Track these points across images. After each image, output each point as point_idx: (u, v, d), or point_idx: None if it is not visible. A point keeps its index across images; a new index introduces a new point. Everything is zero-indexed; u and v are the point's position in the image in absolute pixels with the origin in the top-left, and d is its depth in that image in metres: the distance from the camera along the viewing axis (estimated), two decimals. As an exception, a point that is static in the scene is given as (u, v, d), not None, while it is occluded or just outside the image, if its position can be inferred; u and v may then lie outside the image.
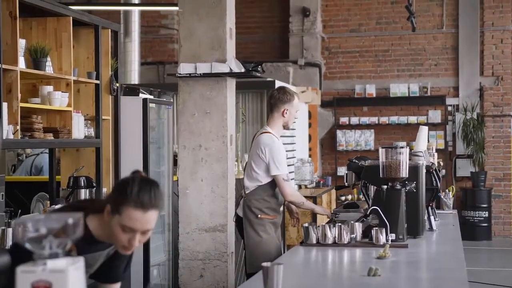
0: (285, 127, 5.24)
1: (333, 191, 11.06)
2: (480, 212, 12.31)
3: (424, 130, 5.68)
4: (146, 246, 6.29)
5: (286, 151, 8.24)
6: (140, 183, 2.60)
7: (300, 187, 10.23)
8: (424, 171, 4.85)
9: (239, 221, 5.26)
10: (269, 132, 5.15)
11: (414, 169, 4.68)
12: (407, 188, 4.61)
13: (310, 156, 12.13)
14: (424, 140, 5.61)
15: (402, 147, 4.56)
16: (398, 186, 4.53)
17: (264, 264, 2.85)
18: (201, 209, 5.67)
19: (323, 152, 13.24)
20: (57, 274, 1.79)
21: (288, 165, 9.01)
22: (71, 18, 5.26)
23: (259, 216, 5.11)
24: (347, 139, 13.00)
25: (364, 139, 12.92)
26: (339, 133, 13.02)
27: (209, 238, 5.71)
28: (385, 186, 4.52)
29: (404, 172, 4.52)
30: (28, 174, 7.98)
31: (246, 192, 5.14)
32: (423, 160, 5.12)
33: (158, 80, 12.99)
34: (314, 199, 9.17)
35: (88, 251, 2.68)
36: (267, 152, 5.03)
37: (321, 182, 10.78)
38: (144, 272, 6.31)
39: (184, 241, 5.75)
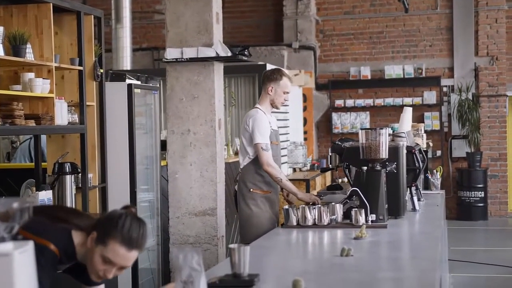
0: (273, 105, 5.37)
1: (328, 174, 11.08)
2: (476, 192, 12.33)
3: (408, 111, 5.69)
4: (134, 231, 6.31)
5: (280, 134, 8.27)
6: (132, 220, 2.68)
7: (294, 170, 10.24)
8: (405, 152, 4.85)
9: (236, 195, 5.42)
10: (257, 108, 5.34)
11: (394, 150, 4.69)
12: (388, 169, 4.63)
13: (305, 139, 12.14)
14: (408, 121, 5.62)
15: (382, 128, 4.57)
16: (378, 167, 4.55)
17: (231, 245, 2.88)
18: (191, 193, 5.69)
19: (319, 135, 13.25)
20: (2, 258, 1.81)
21: (282, 148, 9.08)
22: (51, 4, 5.25)
23: (251, 190, 5.25)
24: (343, 122, 13.00)
25: (360, 121, 12.93)
26: (334, 115, 13.03)
27: (199, 222, 5.73)
28: (365, 167, 4.54)
29: (384, 153, 4.54)
30: (29, 159, 7.99)
31: (240, 167, 5.34)
32: (404, 141, 5.14)
33: (153, 66, 12.99)
34: (307, 182, 9.19)
35: (66, 263, 2.78)
36: (250, 123, 5.21)
37: (316, 165, 10.78)
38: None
39: (175, 225, 5.77)
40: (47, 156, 5.91)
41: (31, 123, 5.00)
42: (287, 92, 5.37)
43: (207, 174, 5.67)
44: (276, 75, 5.35)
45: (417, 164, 5.18)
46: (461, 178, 12.51)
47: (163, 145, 6.34)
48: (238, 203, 5.36)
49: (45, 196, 5.26)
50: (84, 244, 2.72)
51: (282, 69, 5.89)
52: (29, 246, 1.90)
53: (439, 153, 12.67)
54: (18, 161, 8.02)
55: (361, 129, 4.59)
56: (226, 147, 8.12)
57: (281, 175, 5.25)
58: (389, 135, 5.00)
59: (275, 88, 5.32)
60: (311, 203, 4.97)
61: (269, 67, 9.23)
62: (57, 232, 2.70)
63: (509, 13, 12.75)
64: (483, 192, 12.36)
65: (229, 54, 5.64)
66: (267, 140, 5.20)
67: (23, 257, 1.85)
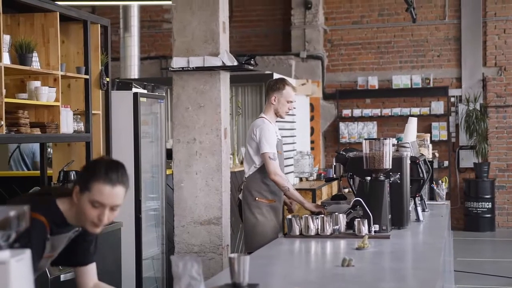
0: (277, 114, 5.42)
1: (335, 183, 11.05)
2: (483, 203, 12.28)
3: (413, 121, 5.68)
4: (138, 239, 6.34)
5: (286, 143, 8.28)
6: (107, 163, 2.77)
7: (301, 179, 10.24)
8: (409, 162, 4.85)
9: (240, 204, 5.44)
10: (263, 117, 5.38)
11: (398, 161, 4.68)
12: (391, 179, 4.62)
13: (313, 148, 12.14)
14: (413, 132, 5.61)
15: (386, 139, 4.57)
16: (382, 178, 4.54)
17: (231, 255, 2.88)
18: (196, 202, 5.69)
19: (326, 145, 13.25)
20: (-1, 265, 1.82)
21: (288, 158, 9.09)
22: (58, 13, 5.28)
23: (256, 198, 5.29)
24: (350, 131, 12.99)
25: (367, 131, 12.91)
26: (341, 125, 13.02)
27: (204, 231, 5.73)
28: (368, 178, 4.53)
29: (388, 164, 4.53)
30: (26, 165, 8.02)
31: (246, 176, 5.38)
32: (409, 151, 5.13)
33: (161, 75, 13.03)
34: (313, 192, 9.18)
35: (58, 232, 2.82)
36: (257, 132, 5.25)
37: (322, 174, 10.77)
38: (137, 265, 6.35)
39: (180, 234, 5.77)
40: (53, 164, 5.93)
41: (37, 131, 5.03)
42: (291, 101, 5.40)
43: (212, 183, 5.68)
44: (279, 84, 5.39)
45: (421, 175, 5.17)
46: (468, 189, 12.46)
47: (169, 154, 6.35)
48: (243, 211, 5.38)
49: (50, 204, 5.27)
50: (72, 207, 2.79)
51: (286, 78, 5.91)
52: (26, 254, 1.91)
53: (446, 163, 12.64)
54: (15, 170, 8.08)
55: (365, 139, 4.59)
56: (232, 156, 8.14)
57: (288, 184, 5.27)
58: (393, 145, 5.00)
59: (279, 98, 5.36)
60: (316, 213, 4.98)
61: (276, 76, 9.25)
62: (43, 204, 2.79)
63: (518, 24, 12.74)
64: (490, 203, 12.31)
65: (235, 63, 5.65)
66: (274, 150, 5.23)
67: (19, 265, 1.86)
